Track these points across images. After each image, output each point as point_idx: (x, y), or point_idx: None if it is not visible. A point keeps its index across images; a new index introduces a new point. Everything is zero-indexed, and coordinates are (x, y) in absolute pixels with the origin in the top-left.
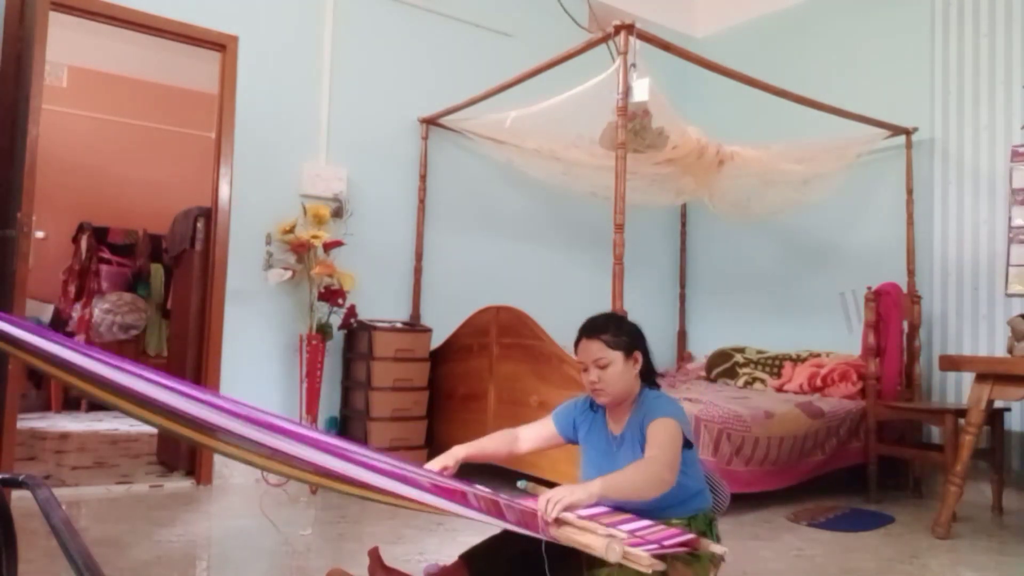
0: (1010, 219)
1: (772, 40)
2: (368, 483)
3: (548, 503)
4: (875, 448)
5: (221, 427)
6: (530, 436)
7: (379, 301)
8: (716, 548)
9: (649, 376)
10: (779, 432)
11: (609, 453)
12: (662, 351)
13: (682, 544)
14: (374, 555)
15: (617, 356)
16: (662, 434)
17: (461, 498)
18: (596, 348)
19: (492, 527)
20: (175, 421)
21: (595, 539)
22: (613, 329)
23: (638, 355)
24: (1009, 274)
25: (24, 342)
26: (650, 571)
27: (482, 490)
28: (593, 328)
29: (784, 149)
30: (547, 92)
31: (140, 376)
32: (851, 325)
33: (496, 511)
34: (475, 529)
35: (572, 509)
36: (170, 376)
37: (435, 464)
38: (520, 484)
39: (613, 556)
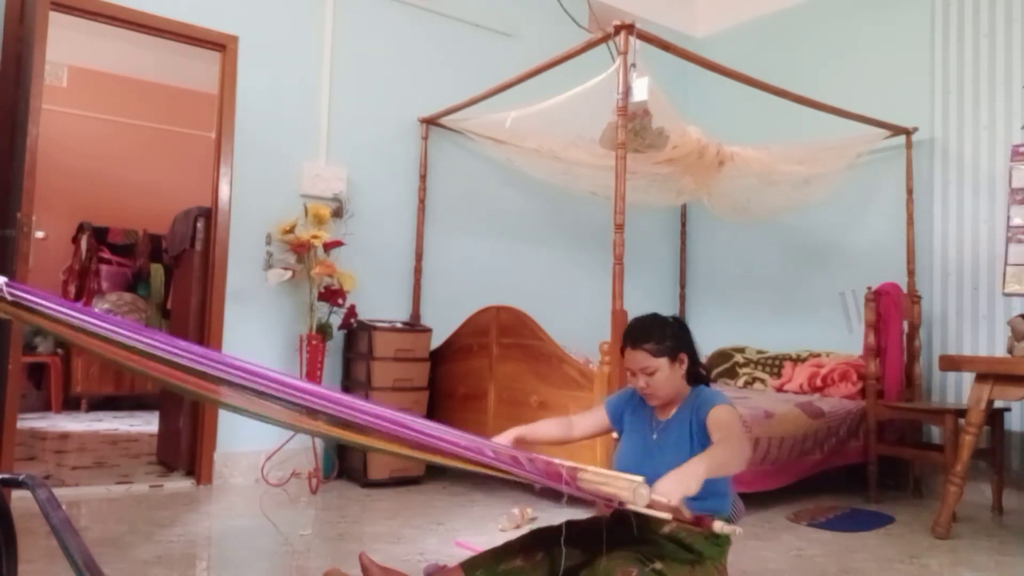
0: (1008, 218)
1: (772, 40)
2: (382, 430)
3: (668, 499)
4: (875, 448)
5: (243, 382)
6: (582, 423)
7: (379, 301)
8: (727, 528)
9: (697, 372)
10: (779, 432)
11: (648, 437)
12: None
13: (694, 522)
14: (365, 559)
15: (662, 362)
16: (724, 417)
17: (479, 451)
18: (641, 357)
19: (491, 530)
20: (195, 376)
21: (621, 488)
22: (656, 336)
23: (683, 356)
24: (1007, 273)
25: (45, 308)
26: (671, 515)
27: (501, 445)
28: (636, 338)
29: (784, 149)
30: (547, 92)
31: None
32: (851, 325)
33: (516, 464)
34: (475, 529)
35: (687, 495)
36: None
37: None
38: None
39: (641, 500)
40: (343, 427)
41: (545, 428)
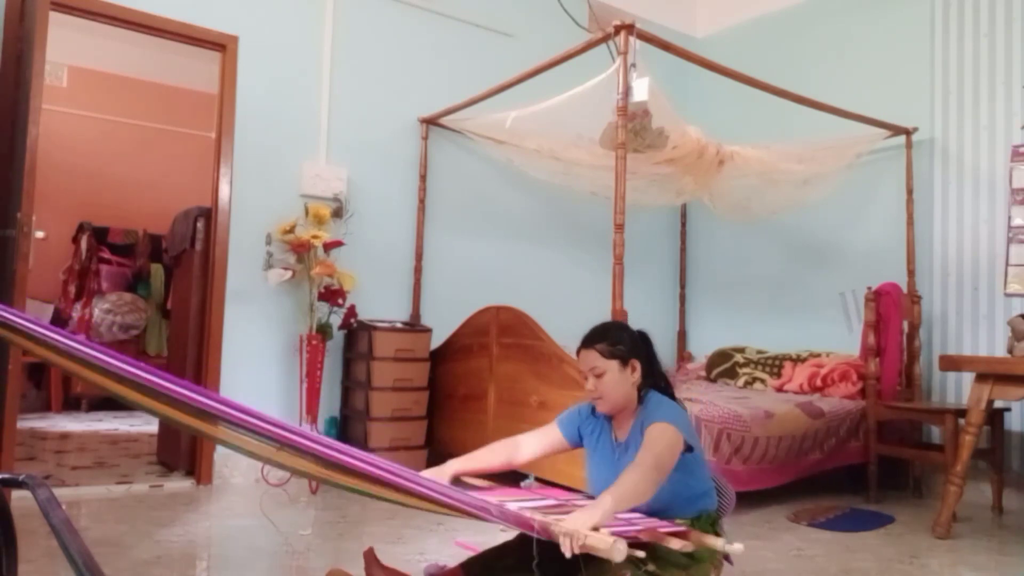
0: (1009, 219)
1: (772, 40)
2: (367, 474)
3: (572, 540)
4: (875, 448)
5: (226, 415)
6: (532, 443)
7: (379, 301)
8: (733, 547)
9: (656, 382)
10: (779, 432)
11: (613, 460)
12: (662, 351)
13: (672, 534)
14: (369, 556)
15: (612, 365)
16: (653, 436)
17: (454, 497)
18: (591, 358)
19: (491, 530)
20: (178, 409)
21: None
22: (610, 338)
23: (635, 363)
24: (1008, 274)
25: (34, 333)
26: (612, 551)
27: (475, 494)
28: (589, 338)
29: (784, 149)
30: (547, 92)
31: (144, 369)
32: (851, 325)
33: (487, 513)
34: (475, 529)
35: (593, 525)
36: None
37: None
38: (524, 484)
39: (618, 555)
40: (336, 471)
41: (486, 457)
